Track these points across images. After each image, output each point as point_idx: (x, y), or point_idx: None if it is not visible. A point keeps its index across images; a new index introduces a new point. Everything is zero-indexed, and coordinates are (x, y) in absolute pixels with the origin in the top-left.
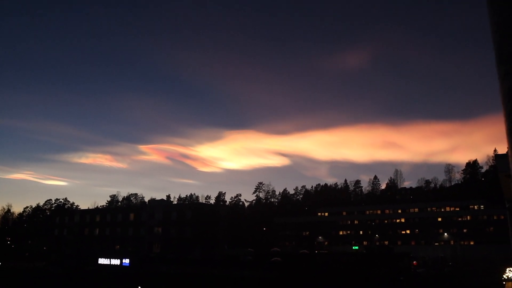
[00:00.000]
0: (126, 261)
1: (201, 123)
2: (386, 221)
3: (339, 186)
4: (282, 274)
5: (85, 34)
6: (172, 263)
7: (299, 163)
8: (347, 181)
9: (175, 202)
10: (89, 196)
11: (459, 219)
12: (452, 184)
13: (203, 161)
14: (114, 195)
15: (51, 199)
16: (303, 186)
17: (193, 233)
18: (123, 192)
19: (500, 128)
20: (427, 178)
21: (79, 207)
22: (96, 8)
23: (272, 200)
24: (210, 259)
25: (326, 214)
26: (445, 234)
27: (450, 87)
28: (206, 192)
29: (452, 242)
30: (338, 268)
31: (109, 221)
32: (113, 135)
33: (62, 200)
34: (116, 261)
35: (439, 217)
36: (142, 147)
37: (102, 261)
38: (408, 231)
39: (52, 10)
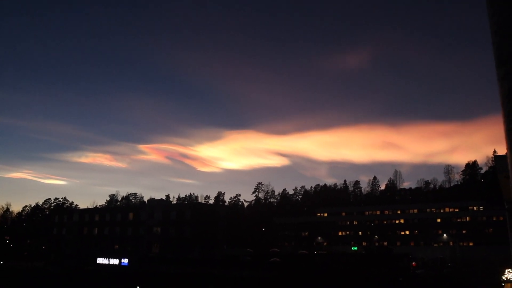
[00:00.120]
0: (125, 260)
1: (201, 123)
2: (385, 222)
3: (339, 187)
4: (281, 274)
5: (85, 34)
6: (171, 263)
7: (299, 163)
8: (347, 182)
9: (175, 202)
10: (89, 195)
11: (459, 220)
12: (452, 185)
13: (202, 161)
14: (114, 195)
15: (50, 198)
16: (303, 187)
17: (192, 233)
18: (122, 192)
19: (500, 129)
20: (426, 179)
21: (78, 207)
22: (96, 8)
23: (272, 200)
24: (209, 259)
25: (326, 214)
26: (444, 235)
27: (450, 88)
28: (205, 192)
29: (451, 243)
30: (337, 268)
31: (108, 220)
32: (112, 134)
33: (61, 199)
34: (115, 261)
35: (439, 218)
36: (142, 147)
37: (100, 260)
38: (407, 232)
39: (52, 10)
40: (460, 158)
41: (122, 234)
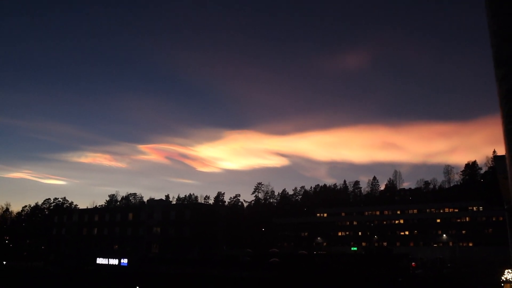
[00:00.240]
0: (125, 261)
1: (201, 123)
2: (385, 222)
3: (338, 187)
4: (280, 274)
5: (85, 34)
6: (170, 263)
7: (298, 164)
8: (346, 182)
9: (174, 202)
10: (88, 195)
11: (458, 220)
12: (451, 185)
13: (202, 161)
14: (113, 195)
15: (49, 198)
16: (302, 187)
17: (192, 233)
18: (122, 192)
19: (500, 129)
20: (426, 179)
21: (78, 207)
22: (96, 8)
23: (271, 200)
24: (208, 259)
25: (325, 214)
26: (444, 235)
27: (450, 88)
28: (205, 192)
29: (450, 243)
30: (336, 268)
31: (108, 220)
32: (112, 134)
33: (61, 200)
34: (114, 261)
35: (438, 218)
36: (142, 147)
37: (100, 261)
38: (407, 232)
39: (52, 10)
40: (460, 159)
41: (122, 234)
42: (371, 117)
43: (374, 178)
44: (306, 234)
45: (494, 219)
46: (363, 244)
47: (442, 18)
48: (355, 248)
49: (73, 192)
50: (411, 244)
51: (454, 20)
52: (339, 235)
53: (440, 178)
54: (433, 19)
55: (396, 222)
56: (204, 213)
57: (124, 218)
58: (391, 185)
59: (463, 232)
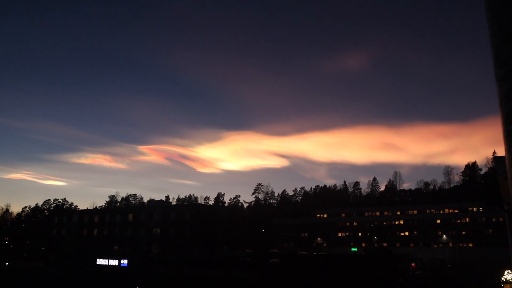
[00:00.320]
0: (125, 261)
1: (201, 124)
2: (385, 223)
3: (338, 188)
4: (280, 275)
5: (85, 34)
6: (170, 264)
7: (298, 165)
8: (346, 183)
9: (174, 203)
10: (88, 196)
11: (458, 221)
12: (451, 186)
13: (202, 162)
14: (113, 196)
15: (50, 199)
16: (302, 188)
17: (192, 234)
18: (122, 193)
19: (500, 130)
20: (426, 180)
21: (77, 208)
22: (96, 8)
23: (271, 201)
24: (208, 260)
25: (325, 215)
26: (444, 236)
27: (450, 89)
28: (205, 193)
29: (451, 244)
30: (336, 269)
31: (108, 221)
32: (112, 135)
33: (61, 200)
34: (114, 262)
35: (438, 219)
36: (142, 148)
37: (100, 261)
38: (407, 233)
39: (52, 10)
40: (460, 159)
41: (122, 235)
42: (371, 118)
43: (374, 179)
44: (306, 235)
45: (494, 220)
46: (363, 245)
47: (442, 18)
48: (355, 249)
49: (73, 193)
50: (411, 245)
51: (454, 20)
52: (339, 236)
53: (440, 179)
54: (433, 19)
55: (396, 223)
56: (204, 214)
57: (124, 219)
58: (391, 186)
59: (463, 233)
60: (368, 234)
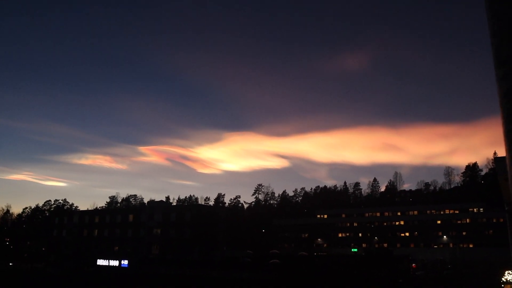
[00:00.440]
0: (125, 262)
1: (201, 125)
2: (385, 224)
3: (339, 188)
4: (281, 276)
5: (85, 34)
6: (171, 264)
7: (299, 165)
8: (347, 183)
9: (174, 204)
10: (89, 197)
11: (459, 221)
12: (452, 186)
13: (202, 162)
14: (114, 196)
15: (50, 200)
16: (303, 188)
17: (192, 234)
18: (122, 193)
19: (500, 130)
20: (426, 181)
21: (78, 208)
22: (96, 8)
23: (272, 202)
24: (209, 260)
25: (325, 216)
26: (444, 236)
27: (450, 90)
28: (205, 194)
29: (451, 245)
30: (337, 270)
31: (108, 222)
32: (112, 136)
33: (61, 201)
34: (115, 262)
35: (439, 220)
36: (142, 148)
37: (100, 262)
38: (407, 234)
39: (52, 10)
40: (460, 160)
41: (122, 235)
42: (372, 118)
43: (375, 179)
44: (306, 235)
45: (494, 220)
46: (364, 245)
47: (442, 18)
48: (356, 250)
49: (74, 194)
50: (412, 246)
51: (454, 20)
52: (340, 237)
53: (441, 180)
54: (433, 19)
55: (397, 223)
56: (205, 215)
57: (125, 219)
58: (391, 187)
59: (464, 233)
60: (369, 234)
